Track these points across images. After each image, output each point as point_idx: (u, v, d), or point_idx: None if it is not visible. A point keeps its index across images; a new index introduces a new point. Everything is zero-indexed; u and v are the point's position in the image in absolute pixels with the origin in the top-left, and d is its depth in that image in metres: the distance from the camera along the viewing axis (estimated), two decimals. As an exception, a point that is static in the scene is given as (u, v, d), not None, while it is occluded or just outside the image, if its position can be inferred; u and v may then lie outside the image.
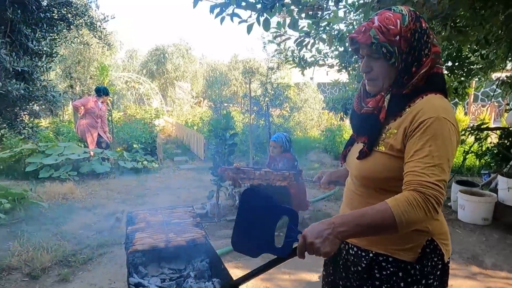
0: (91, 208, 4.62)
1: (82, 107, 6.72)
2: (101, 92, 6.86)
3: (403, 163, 1.08)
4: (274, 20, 2.63)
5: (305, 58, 3.87)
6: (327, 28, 2.92)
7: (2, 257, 3.13)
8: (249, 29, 2.41)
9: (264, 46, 8.57)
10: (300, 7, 2.41)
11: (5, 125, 3.87)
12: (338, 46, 3.53)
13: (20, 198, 4.42)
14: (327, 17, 2.32)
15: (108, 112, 8.62)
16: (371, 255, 1.18)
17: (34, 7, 3.06)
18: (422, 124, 1.05)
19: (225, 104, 12.17)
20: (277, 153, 4.23)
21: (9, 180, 5.73)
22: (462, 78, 3.82)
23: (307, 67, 4.07)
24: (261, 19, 2.35)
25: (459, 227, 4.15)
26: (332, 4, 2.33)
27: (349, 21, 2.82)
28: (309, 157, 8.34)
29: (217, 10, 2.40)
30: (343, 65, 3.65)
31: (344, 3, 2.74)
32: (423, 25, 1.12)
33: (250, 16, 2.42)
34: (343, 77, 4.65)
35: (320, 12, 2.47)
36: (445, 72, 3.76)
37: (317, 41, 2.71)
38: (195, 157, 8.49)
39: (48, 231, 3.77)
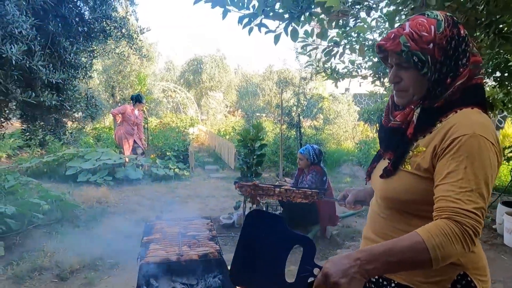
0: (122, 213, 4.75)
1: (120, 115, 7.01)
2: (135, 99, 7.13)
3: (431, 185, 0.97)
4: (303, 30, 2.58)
5: (337, 69, 3.76)
6: (360, 37, 2.82)
7: (36, 257, 3.27)
8: (276, 39, 2.37)
9: (297, 57, 8.51)
10: (330, 16, 2.34)
11: (47, 131, 4.11)
12: (372, 57, 3.40)
13: (58, 200, 4.64)
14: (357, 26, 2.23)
15: (145, 120, 8.93)
16: (393, 285, 1.07)
17: (74, 21, 3.23)
18: (455, 142, 0.94)
19: (257, 114, 12.21)
20: (304, 165, 4.13)
21: (51, 182, 6.05)
22: (510, 89, 3.51)
23: (340, 79, 3.95)
24: (289, 29, 2.31)
25: (505, 252, 3.78)
26: (364, 12, 2.24)
27: (382, 29, 2.69)
28: (341, 170, 8.10)
29: (245, 21, 2.40)
30: (377, 76, 3.50)
31: (379, 13, 2.64)
32: (461, 32, 1.01)
33: (278, 26, 2.39)
34: (380, 88, 4.47)
35: (350, 21, 2.39)
36: (493, 83, 3.47)
37: (347, 51, 2.61)
38: (225, 166, 8.54)
39: (80, 233, 3.91)
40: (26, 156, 7.60)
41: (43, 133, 3.49)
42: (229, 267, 1.06)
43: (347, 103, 11.82)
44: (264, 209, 4.77)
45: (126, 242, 3.80)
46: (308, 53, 2.87)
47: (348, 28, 2.41)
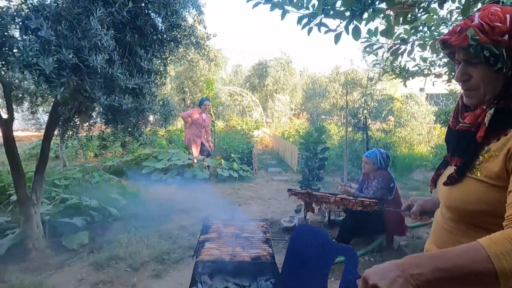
0: (188, 211, 5.01)
1: (189, 118, 7.44)
2: (199, 103, 7.52)
3: (503, 194, 0.84)
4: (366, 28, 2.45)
5: (406, 67, 3.50)
6: (432, 32, 2.58)
7: (113, 247, 3.61)
8: (337, 38, 2.29)
9: (364, 56, 8.15)
10: (395, 10, 2.18)
11: (126, 133, 4.52)
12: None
13: (134, 197, 5.08)
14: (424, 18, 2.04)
15: (212, 123, 9.34)
16: None
17: (149, 31, 3.50)
18: None
19: (323, 117, 11.96)
20: (369, 169, 3.91)
21: (129, 180, 6.64)
22: None
23: (410, 78, 3.67)
24: (350, 27, 2.21)
25: None
26: (435, 4, 2.04)
27: (455, 22, 2.43)
28: (413, 176, 7.52)
29: (304, 21, 2.36)
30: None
31: (456, 3, 2.39)
32: None
33: (338, 25, 2.31)
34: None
35: (419, 14, 2.20)
36: None
37: (416, 48, 2.41)
38: (288, 168, 8.51)
39: (151, 228, 4.21)
40: (110, 155, 8.47)
41: (123, 135, 3.84)
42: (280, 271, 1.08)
43: (422, 103, 10.96)
44: (326, 214, 4.63)
45: (190, 239, 4.00)
46: (374, 52, 2.71)
47: (418, 22, 2.23)
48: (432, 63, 3.45)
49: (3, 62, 2.96)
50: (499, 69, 0.89)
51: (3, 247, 3.37)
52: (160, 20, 3.88)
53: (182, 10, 3.96)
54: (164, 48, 4.01)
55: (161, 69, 4.02)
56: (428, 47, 2.41)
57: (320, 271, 0.96)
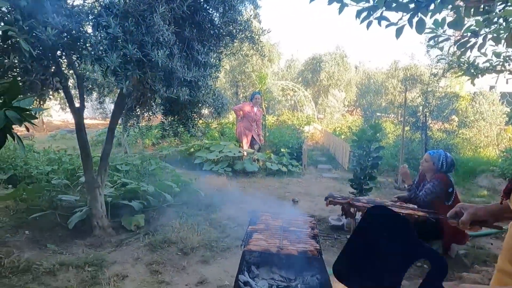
0: (237, 202, 5.12)
1: (241, 112, 7.58)
2: (250, 98, 7.62)
3: None
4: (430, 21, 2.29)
5: (476, 63, 3.22)
6: (509, 23, 2.34)
7: (166, 231, 3.83)
8: (399, 32, 2.17)
9: (428, 51, 7.62)
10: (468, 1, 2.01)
11: (181, 124, 4.74)
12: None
13: (186, 185, 5.32)
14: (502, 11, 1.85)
15: (263, 117, 9.41)
16: None
17: (206, 26, 3.62)
18: None
19: (378, 114, 11.46)
20: (427, 169, 3.68)
21: (182, 169, 6.96)
22: None
23: (479, 75, 3.37)
24: (414, 20, 2.09)
25: None
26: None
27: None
28: (477, 181, 6.93)
29: (363, 15, 2.27)
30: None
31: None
32: None
33: (401, 18, 2.19)
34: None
35: (496, 5, 2.00)
36: None
37: (489, 42, 2.20)
38: (339, 166, 8.32)
39: (201, 216, 4.39)
40: (166, 145, 8.94)
41: (177, 126, 4.04)
42: (328, 268, 1.03)
43: (492, 103, 9.98)
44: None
45: (238, 230, 4.10)
46: (439, 46, 2.53)
47: (492, 14, 2.03)
48: (507, 58, 3.13)
49: (78, 56, 3.26)
50: None
51: (72, 223, 3.74)
52: (218, 15, 3.98)
53: (238, 4, 4.02)
54: (220, 42, 4.11)
55: (216, 63, 4.14)
56: (503, 41, 2.19)
57: (392, 269, 0.82)
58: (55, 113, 13.80)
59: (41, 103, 3.68)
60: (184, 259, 3.29)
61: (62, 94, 4.04)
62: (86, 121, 3.96)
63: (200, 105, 3.87)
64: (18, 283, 2.75)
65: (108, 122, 4.03)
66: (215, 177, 6.36)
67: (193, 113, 4.20)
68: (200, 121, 4.27)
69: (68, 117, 15.49)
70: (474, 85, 3.35)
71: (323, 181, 6.86)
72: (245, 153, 7.40)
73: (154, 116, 4.50)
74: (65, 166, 5.44)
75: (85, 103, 4.07)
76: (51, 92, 3.42)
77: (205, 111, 4.78)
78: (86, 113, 4.07)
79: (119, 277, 2.93)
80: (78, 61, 3.33)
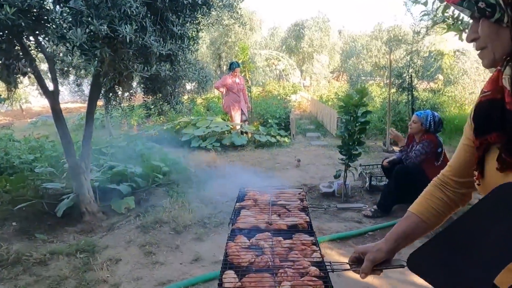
0: (228, 176, 5.09)
1: (224, 88, 7.41)
2: (229, 68, 7.41)
3: None
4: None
5: (460, 17, 3.12)
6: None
7: (158, 212, 3.79)
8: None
9: (408, 9, 7.42)
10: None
11: (163, 102, 4.59)
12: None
13: (175, 163, 5.25)
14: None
15: (248, 88, 9.25)
16: None
17: (179, -5, 3.40)
18: None
19: (363, 78, 11.37)
20: (415, 130, 3.67)
21: (170, 147, 6.86)
22: None
23: (466, 29, 3.28)
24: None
25: None
26: None
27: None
28: (454, 143, 7.02)
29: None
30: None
31: None
32: None
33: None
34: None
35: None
36: None
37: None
38: (327, 133, 8.32)
39: (192, 194, 4.36)
40: (151, 124, 8.77)
41: (161, 104, 3.90)
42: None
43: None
44: (367, 179, 4.49)
45: (230, 204, 4.09)
46: (422, 1, 2.42)
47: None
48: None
49: (44, 35, 3.05)
50: (498, 21, 0.73)
51: (60, 210, 3.67)
52: (191, -18, 3.74)
53: (212, -30, 3.78)
54: (196, 12, 3.89)
55: (194, 35, 3.94)
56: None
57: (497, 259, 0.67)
58: (34, 99, 13.31)
59: (12, 89, 3.49)
60: (177, 238, 3.28)
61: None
62: (67, 105, 3.80)
63: (182, 80, 3.72)
64: (8, 276, 2.71)
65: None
66: (204, 153, 6.30)
67: (176, 89, 4.05)
68: (186, 97, 4.15)
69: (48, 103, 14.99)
70: (462, 40, 3.27)
71: (312, 149, 6.86)
72: (237, 127, 7.31)
73: (136, 95, 4.34)
74: (48, 154, 5.29)
75: (63, 87, 3.88)
76: (19, 77, 3.22)
77: (189, 87, 4.62)
78: (66, 97, 3.89)
79: (112, 261, 2.91)
80: (45, 41, 3.12)
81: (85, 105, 4.26)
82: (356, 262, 1.06)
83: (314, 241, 1.25)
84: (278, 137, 7.26)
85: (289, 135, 7.67)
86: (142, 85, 4.32)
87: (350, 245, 3.12)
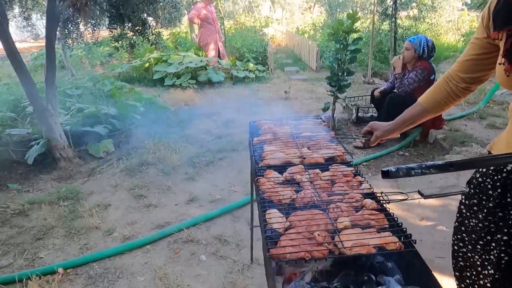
0: (209, 115, 4.84)
1: (198, 18, 6.75)
2: None
3: None
4: None
5: None
6: None
7: (142, 153, 3.56)
8: None
9: None
10: None
11: (134, 32, 4.07)
12: None
13: (150, 103, 4.87)
14: None
15: (221, 20, 8.56)
16: None
17: None
18: None
19: (338, 10, 10.83)
20: (408, 58, 3.53)
21: (141, 86, 6.37)
22: None
23: None
24: None
25: None
26: None
27: None
28: (440, 68, 7.04)
29: None
30: None
31: None
32: None
33: None
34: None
35: None
36: None
37: None
38: (306, 67, 8.04)
39: (175, 133, 4.11)
40: (117, 62, 8.03)
41: (132, 35, 3.43)
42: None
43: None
44: (354, 111, 4.41)
45: (217, 142, 3.91)
46: None
47: None
48: None
49: None
50: None
51: (31, 158, 3.33)
52: None
53: None
54: None
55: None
56: None
57: None
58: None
59: None
60: (167, 179, 3.11)
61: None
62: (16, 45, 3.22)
63: (155, 4, 3.24)
64: (-14, 230, 2.47)
65: (44, 43, 3.32)
66: (180, 91, 5.91)
67: (149, 16, 3.56)
68: (158, 27, 3.67)
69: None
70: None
71: (293, 83, 6.62)
72: (211, 62, 6.84)
73: (99, 29, 3.80)
74: (4, 98, 4.70)
75: (8, 22, 3.27)
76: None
77: (160, 13, 4.11)
78: (14, 37, 3.29)
79: (101, 207, 2.72)
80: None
81: (37, 44, 3.69)
82: (367, 134, 1.30)
83: (355, 171, 1.11)
84: (256, 72, 6.92)
85: (267, 70, 7.34)
86: (107, 13, 3.77)
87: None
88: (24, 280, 1.96)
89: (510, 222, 0.95)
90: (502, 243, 0.96)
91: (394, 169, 0.68)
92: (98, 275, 2.03)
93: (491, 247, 0.99)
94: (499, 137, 1.05)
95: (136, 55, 7.49)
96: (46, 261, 2.17)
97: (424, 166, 0.68)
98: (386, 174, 0.69)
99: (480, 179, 1.04)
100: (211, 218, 2.49)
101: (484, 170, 1.03)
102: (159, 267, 2.04)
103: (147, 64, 7.18)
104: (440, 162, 0.69)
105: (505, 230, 0.95)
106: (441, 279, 1.91)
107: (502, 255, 0.96)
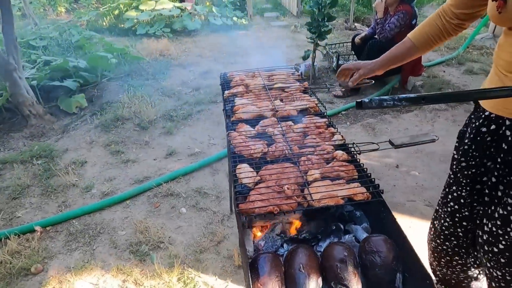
0: (186, 65, 4.65)
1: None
2: None
3: None
4: None
5: None
6: None
7: (116, 108, 3.43)
8: None
9: None
10: None
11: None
12: None
13: (123, 54, 4.61)
14: None
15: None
16: None
17: None
18: None
19: None
20: (391, 1, 3.39)
21: (112, 36, 5.98)
22: None
23: None
24: None
25: None
26: None
27: None
28: (424, 11, 6.86)
29: None
30: None
31: None
32: None
33: None
34: None
35: None
36: None
37: None
38: (287, 12, 7.69)
39: (150, 86, 3.96)
40: (83, 10, 7.44)
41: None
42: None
43: None
44: (334, 59, 4.31)
45: (194, 94, 3.80)
46: None
47: None
48: None
49: None
50: None
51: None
52: None
53: None
54: None
55: None
56: None
57: None
58: None
59: None
60: (144, 134, 3.04)
61: None
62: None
63: None
64: (-43, 192, 2.40)
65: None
66: (154, 40, 5.59)
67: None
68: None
69: None
70: None
71: (273, 30, 6.36)
72: (187, 7, 6.42)
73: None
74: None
75: None
76: None
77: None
78: None
79: (77, 164, 2.66)
80: None
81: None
82: (343, 80, 1.24)
83: (328, 122, 1.09)
84: (234, 19, 6.58)
85: (246, 16, 6.98)
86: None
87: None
88: (3, 239, 1.96)
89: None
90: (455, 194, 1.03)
91: (367, 100, 0.71)
92: (79, 231, 2.04)
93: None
94: (483, 84, 1.04)
95: (105, 1, 6.95)
96: (24, 220, 2.15)
97: (396, 98, 0.70)
98: (359, 105, 0.72)
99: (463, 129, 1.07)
100: (191, 172, 2.49)
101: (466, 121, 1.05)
102: (140, 221, 2.06)
103: (117, 11, 6.69)
104: (412, 95, 0.70)
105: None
106: (411, 220, 2.01)
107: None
